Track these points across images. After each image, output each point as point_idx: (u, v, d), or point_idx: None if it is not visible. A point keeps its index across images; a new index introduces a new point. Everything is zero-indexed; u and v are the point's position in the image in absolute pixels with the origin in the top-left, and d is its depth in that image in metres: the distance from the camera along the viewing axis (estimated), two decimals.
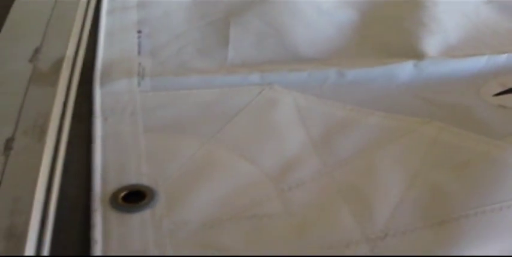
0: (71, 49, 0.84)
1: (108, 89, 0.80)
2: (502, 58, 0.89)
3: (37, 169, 0.62)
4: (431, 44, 0.91)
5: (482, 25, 1.00)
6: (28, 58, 0.83)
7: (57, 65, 0.81)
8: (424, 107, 0.79)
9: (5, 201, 0.59)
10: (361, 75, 0.84)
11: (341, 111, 0.77)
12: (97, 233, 0.59)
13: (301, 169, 0.66)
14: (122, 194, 0.63)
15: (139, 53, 0.89)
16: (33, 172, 0.62)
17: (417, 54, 0.88)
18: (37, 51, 0.84)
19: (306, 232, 0.58)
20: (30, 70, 0.80)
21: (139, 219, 0.61)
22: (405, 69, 0.86)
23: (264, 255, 0.56)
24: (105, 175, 0.65)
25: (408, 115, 0.75)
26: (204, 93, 0.80)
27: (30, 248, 0.54)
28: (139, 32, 0.95)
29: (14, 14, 0.96)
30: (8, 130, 0.68)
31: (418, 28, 0.94)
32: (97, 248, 0.57)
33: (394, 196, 0.62)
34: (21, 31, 0.92)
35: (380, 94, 0.82)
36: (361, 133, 0.72)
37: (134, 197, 0.63)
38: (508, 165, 0.65)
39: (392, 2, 1.04)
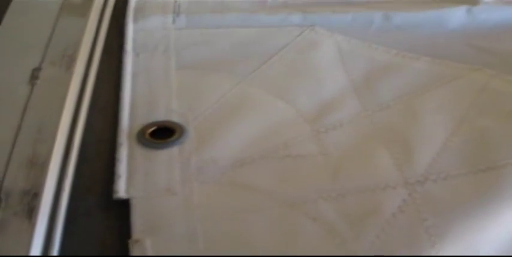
0: None
1: (142, 25, 0.76)
2: None
3: (63, 99, 0.60)
4: None
5: None
6: None
7: None
8: (474, 55, 0.74)
9: (28, 130, 0.57)
10: (409, 19, 0.79)
11: (385, 55, 0.72)
12: (121, 167, 0.57)
13: (340, 111, 0.63)
14: (150, 130, 0.61)
15: None
16: (59, 102, 0.60)
17: (470, 0, 0.81)
18: None
19: (340, 173, 0.55)
20: None
21: (167, 155, 0.58)
22: (457, 15, 0.80)
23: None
24: (133, 110, 0.63)
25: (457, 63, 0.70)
26: (242, 32, 0.76)
27: (51, 178, 0.52)
28: None
29: None
30: (35, 59, 0.65)
31: None
32: (121, 183, 0.55)
33: (437, 141, 0.58)
34: None
35: (428, 41, 0.77)
36: (406, 78, 0.68)
37: (162, 134, 0.60)
38: None
39: None
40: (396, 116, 0.62)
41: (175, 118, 0.62)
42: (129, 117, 0.62)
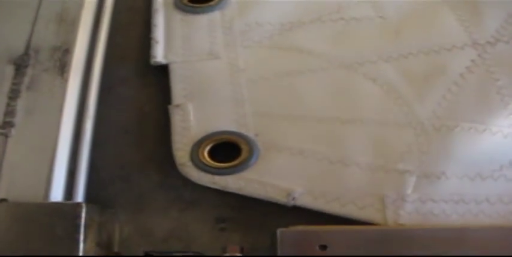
0: None
1: None
2: None
3: None
4: None
5: None
6: None
7: None
8: None
9: None
10: None
11: None
12: (159, 33, 0.53)
13: None
14: None
15: None
16: None
17: None
18: None
19: (402, 35, 0.50)
20: None
21: (207, 20, 0.54)
22: None
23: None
24: None
25: None
26: None
27: (83, 34, 0.47)
28: None
29: None
30: None
31: None
32: (158, 48, 0.51)
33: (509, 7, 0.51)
34: None
35: None
36: None
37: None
38: None
39: None
40: None
41: None
42: None
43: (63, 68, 0.46)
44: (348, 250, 0.37)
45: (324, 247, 0.37)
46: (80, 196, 0.42)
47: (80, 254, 0.37)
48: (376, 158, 0.43)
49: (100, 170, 0.46)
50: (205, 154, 0.44)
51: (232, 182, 0.43)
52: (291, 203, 0.42)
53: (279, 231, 0.37)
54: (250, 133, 0.45)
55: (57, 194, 0.41)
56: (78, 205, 0.39)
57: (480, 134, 0.43)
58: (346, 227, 0.38)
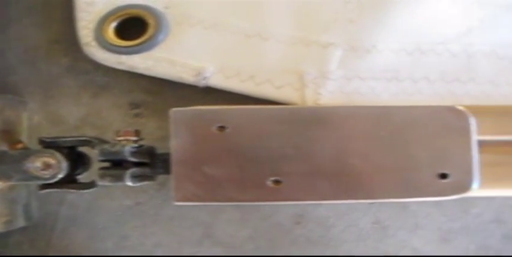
0: None
1: None
2: None
3: None
4: None
5: None
6: None
7: None
8: None
9: None
10: None
11: None
12: None
13: None
14: None
15: None
16: None
17: None
18: None
19: None
20: None
21: None
22: None
23: None
24: None
25: None
26: None
27: None
28: None
29: None
30: None
31: None
32: None
33: None
34: None
35: None
36: None
37: None
38: None
39: None
40: None
41: None
42: None
43: None
44: (250, 131, 0.32)
45: (222, 128, 0.33)
46: None
47: None
48: (297, 30, 0.37)
49: (5, 54, 0.41)
50: (110, 31, 0.39)
51: (139, 62, 0.38)
52: (202, 83, 0.37)
53: (172, 111, 0.33)
54: (159, 6, 0.39)
55: None
56: None
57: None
58: (248, 107, 0.33)
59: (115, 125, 0.41)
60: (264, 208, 0.41)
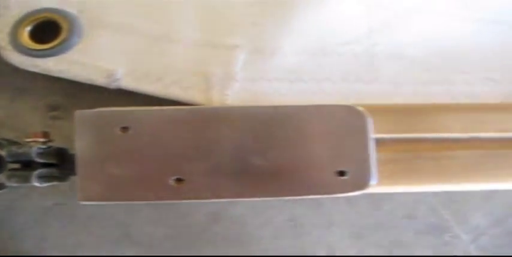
0: None
1: None
2: None
3: None
4: None
5: None
6: None
7: None
8: None
9: None
10: None
11: None
12: None
13: None
14: None
15: None
16: None
17: None
18: None
19: None
20: None
21: None
22: None
23: None
24: None
25: None
26: None
27: None
28: None
29: None
30: None
31: None
32: None
33: None
34: None
35: None
36: None
37: None
38: None
39: None
40: None
41: None
42: None
43: None
44: (152, 132, 0.33)
45: (125, 129, 0.33)
46: None
47: None
48: (204, 32, 0.38)
49: None
50: (25, 35, 0.39)
51: (53, 65, 0.39)
52: (113, 85, 0.38)
53: (76, 112, 0.33)
54: (73, 10, 0.39)
55: None
56: None
57: (325, 2, 0.38)
58: (150, 108, 0.34)
59: (33, 128, 0.41)
60: (180, 206, 0.41)
